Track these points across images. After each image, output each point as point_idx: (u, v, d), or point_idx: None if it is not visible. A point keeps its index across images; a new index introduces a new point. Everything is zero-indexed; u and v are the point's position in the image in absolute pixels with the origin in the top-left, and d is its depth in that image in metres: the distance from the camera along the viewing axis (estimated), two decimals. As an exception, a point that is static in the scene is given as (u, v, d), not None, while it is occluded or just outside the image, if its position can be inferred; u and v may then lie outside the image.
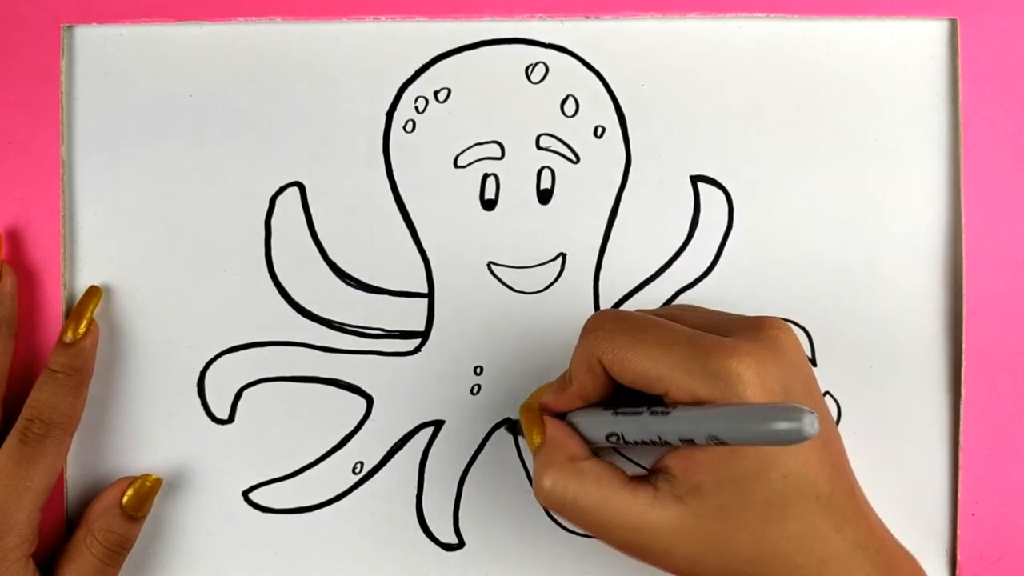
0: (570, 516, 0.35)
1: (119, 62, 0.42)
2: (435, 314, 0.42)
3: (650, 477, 0.35)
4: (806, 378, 0.35)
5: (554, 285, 0.43)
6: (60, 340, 0.40)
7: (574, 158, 0.42)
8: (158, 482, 0.41)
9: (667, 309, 0.39)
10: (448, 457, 0.42)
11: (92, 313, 0.41)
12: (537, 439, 0.37)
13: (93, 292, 0.41)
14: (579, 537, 0.43)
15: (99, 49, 0.42)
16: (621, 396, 0.36)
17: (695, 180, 0.42)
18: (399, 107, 0.42)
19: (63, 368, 0.40)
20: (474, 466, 0.43)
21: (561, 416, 0.38)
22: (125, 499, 0.40)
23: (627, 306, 0.42)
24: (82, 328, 0.40)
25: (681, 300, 0.42)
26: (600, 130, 0.42)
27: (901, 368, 0.42)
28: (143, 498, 0.41)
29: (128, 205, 0.42)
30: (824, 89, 0.42)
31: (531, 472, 0.40)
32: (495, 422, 0.43)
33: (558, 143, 0.42)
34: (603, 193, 0.42)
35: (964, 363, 0.42)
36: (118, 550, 0.40)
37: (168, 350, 0.42)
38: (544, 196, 0.42)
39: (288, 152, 0.42)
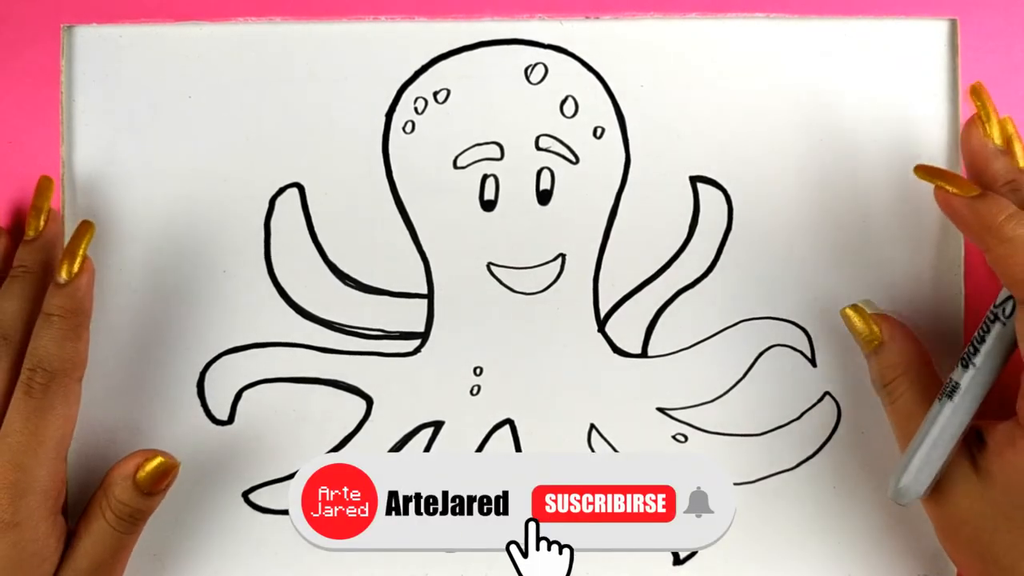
0: None
1: (119, 62, 0.42)
2: (435, 315, 0.42)
3: None
4: None
5: (554, 285, 0.43)
6: (54, 282, 0.39)
7: (573, 159, 0.42)
8: (175, 466, 0.39)
9: None
10: (448, 457, 0.43)
11: (85, 250, 0.39)
12: None
13: (85, 228, 0.40)
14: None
15: (99, 49, 0.42)
16: None
17: (695, 180, 0.42)
18: (398, 108, 0.42)
19: (60, 311, 0.38)
20: (474, 466, 0.43)
21: None
22: (140, 475, 0.39)
23: (627, 306, 0.42)
24: (75, 266, 0.39)
25: (681, 300, 0.42)
26: (600, 130, 0.42)
27: (901, 368, 0.42)
28: (157, 478, 0.39)
29: (127, 206, 0.42)
30: (824, 89, 0.42)
31: None
32: (495, 422, 0.43)
33: (557, 144, 0.42)
34: (603, 193, 0.42)
35: (964, 363, 0.42)
36: (131, 521, 0.39)
37: (168, 351, 0.42)
38: (544, 197, 0.42)
39: (288, 153, 0.42)
